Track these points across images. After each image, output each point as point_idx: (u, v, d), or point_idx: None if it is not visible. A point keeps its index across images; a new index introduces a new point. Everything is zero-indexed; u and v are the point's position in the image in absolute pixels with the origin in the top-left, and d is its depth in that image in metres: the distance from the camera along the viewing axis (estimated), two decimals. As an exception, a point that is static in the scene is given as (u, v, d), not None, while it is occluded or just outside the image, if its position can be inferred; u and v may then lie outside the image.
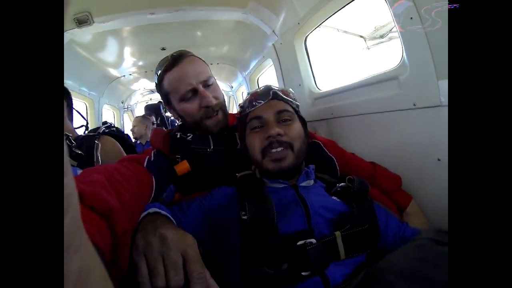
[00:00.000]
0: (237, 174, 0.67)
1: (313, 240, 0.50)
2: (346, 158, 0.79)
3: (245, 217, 0.53)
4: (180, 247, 0.40)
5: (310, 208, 0.56)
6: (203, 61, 0.78)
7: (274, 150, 0.60)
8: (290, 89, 0.73)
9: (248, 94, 0.72)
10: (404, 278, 0.22)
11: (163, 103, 0.80)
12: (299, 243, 0.50)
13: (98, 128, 1.07)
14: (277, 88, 0.68)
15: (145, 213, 0.49)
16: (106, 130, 1.07)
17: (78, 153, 0.96)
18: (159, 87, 0.77)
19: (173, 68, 0.71)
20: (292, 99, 0.69)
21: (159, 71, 0.74)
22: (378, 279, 0.24)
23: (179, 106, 0.74)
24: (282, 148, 0.60)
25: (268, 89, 0.68)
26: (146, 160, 0.65)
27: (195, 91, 0.72)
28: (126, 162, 0.61)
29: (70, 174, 0.15)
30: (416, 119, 0.75)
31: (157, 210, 0.50)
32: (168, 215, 0.51)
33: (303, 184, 0.64)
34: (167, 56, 0.74)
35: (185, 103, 0.73)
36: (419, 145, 0.77)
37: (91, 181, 0.39)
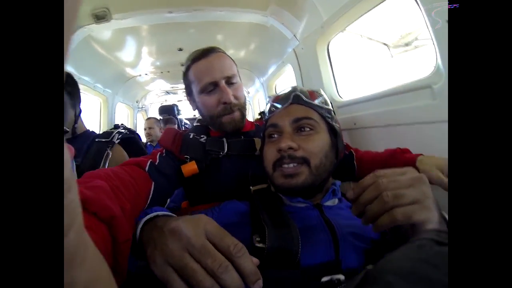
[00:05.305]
0: (251, 188, 0.59)
1: (341, 277, 0.40)
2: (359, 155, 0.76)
3: (260, 245, 0.43)
4: (197, 230, 0.33)
5: (338, 234, 0.46)
6: (233, 60, 0.76)
7: (285, 166, 0.52)
8: (321, 91, 0.62)
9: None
10: (404, 278, 0.21)
11: (185, 93, 0.80)
12: (324, 279, 0.40)
13: (111, 133, 1.00)
14: (303, 90, 0.59)
15: (140, 225, 0.40)
16: (119, 137, 0.99)
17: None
18: (185, 76, 0.77)
19: (201, 59, 0.71)
20: (321, 102, 0.59)
21: (189, 61, 0.74)
22: (378, 279, 0.23)
23: (199, 98, 0.73)
24: (295, 164, 0.51)
25: (290, 91, 0.59)
26: (149, 163, 0.60)
27: (216, 86, 0.70)
28: (128, 167, 0.56)
29: (74, 190, 0.15)
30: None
31: (151, 215, 0.41)
32: (166, 212, 0.43)
33: (328, 203, 0.55)
34: (199, 49, 0.74)
35: (205, 96, 0.72)
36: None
37: (94, 187, 0.38)
